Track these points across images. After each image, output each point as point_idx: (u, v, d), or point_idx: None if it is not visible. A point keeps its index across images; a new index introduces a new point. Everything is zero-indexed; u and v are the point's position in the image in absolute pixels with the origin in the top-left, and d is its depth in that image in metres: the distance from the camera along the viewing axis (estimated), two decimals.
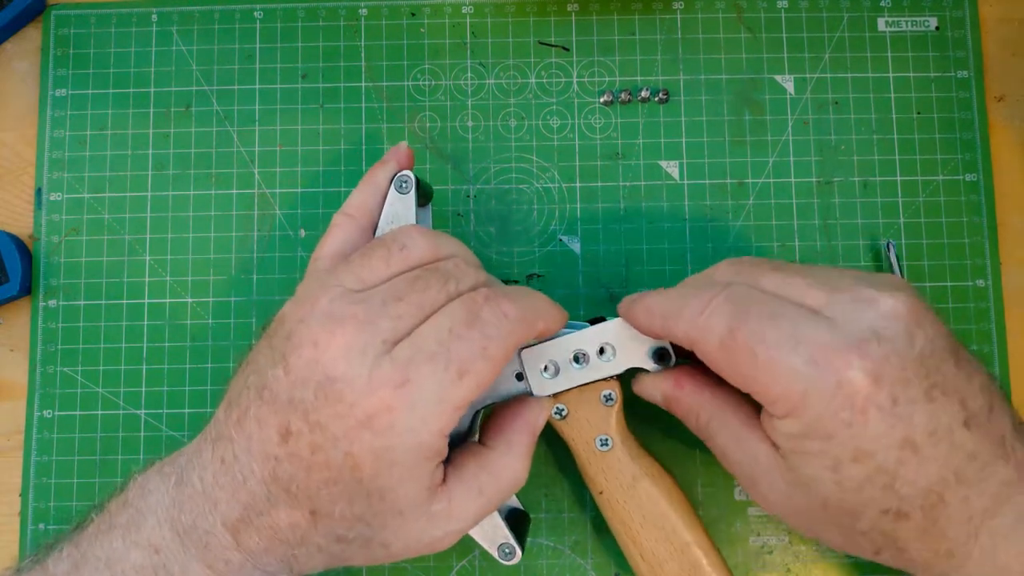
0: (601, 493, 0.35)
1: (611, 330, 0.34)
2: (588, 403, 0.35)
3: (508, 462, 0.32)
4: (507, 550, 0.34)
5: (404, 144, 0.36)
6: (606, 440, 0.35)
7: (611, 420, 0.35)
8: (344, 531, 0.29)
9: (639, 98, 0.42)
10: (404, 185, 0.35)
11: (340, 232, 0.34)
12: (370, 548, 0.30)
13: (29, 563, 0.31)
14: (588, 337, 0.34)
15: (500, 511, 0.34)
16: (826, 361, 0.27)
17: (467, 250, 0.33)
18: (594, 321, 0.35)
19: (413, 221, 0.34)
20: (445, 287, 0.30)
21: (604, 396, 0.35)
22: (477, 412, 0.34)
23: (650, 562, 0.35)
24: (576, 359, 0.34)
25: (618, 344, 0.34)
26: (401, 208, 0.35)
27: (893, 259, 0.40)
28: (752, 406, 0.31)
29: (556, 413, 0.35)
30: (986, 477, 0.27)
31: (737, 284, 0.30)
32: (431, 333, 0.28)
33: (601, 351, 0.34)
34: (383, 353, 0.28)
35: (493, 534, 0.34)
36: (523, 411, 0.33)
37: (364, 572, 0.39)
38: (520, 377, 0.34)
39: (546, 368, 0.34)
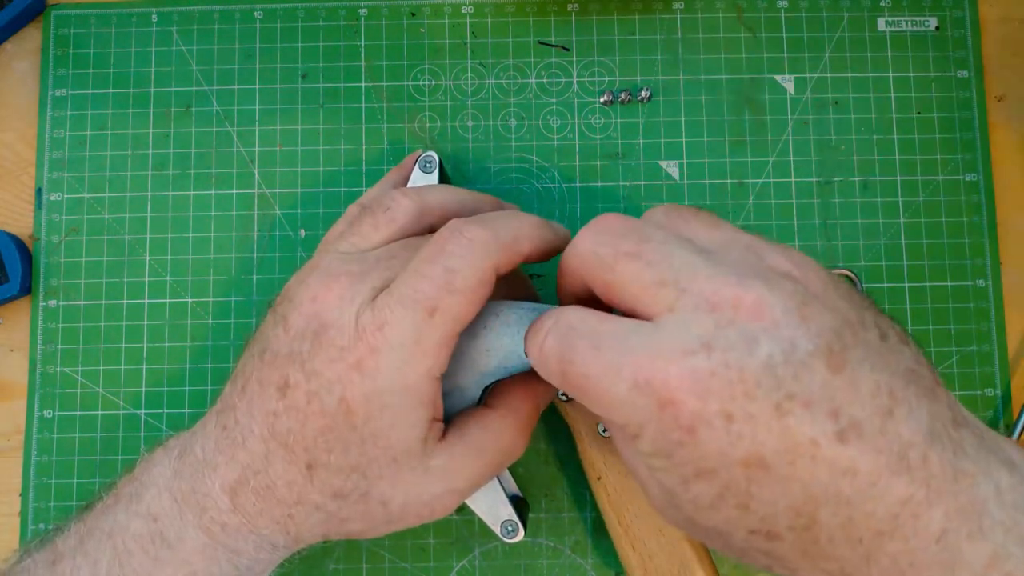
0: (599, 479, 0.35)
1: None
2: None
3: (509, 425, 0.32)
4: (510, 527, 0.34)
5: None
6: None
7: None
8: (340, 483, 0.29)
9: (639, 98, 0.42)
10: (428, 165, 0.36)
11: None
12: (368, 504, 0.30)
13: (37, 544, 0.31)
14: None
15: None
16: (646, 382, 0.24)
17: (457, 196, 0.33)
18: None
19: None
20: (441, 247, 0.29)
21: None
22: (486, 387, 0.34)
23: (640, 553, 0.35)
24: None
25: None
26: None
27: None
28: None
29: (561, 394, 0.34)
30: (875, 495, 0.23)
31: (567, 314, 0.27)
32: (404, 277, 0.29)
33: None
34: (371, 299, 0.29)
35: (496, 511, 0.34)
36: (529, 381, 0.33)
37: (365, 567, 0.39)
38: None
39: None
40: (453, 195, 0.34)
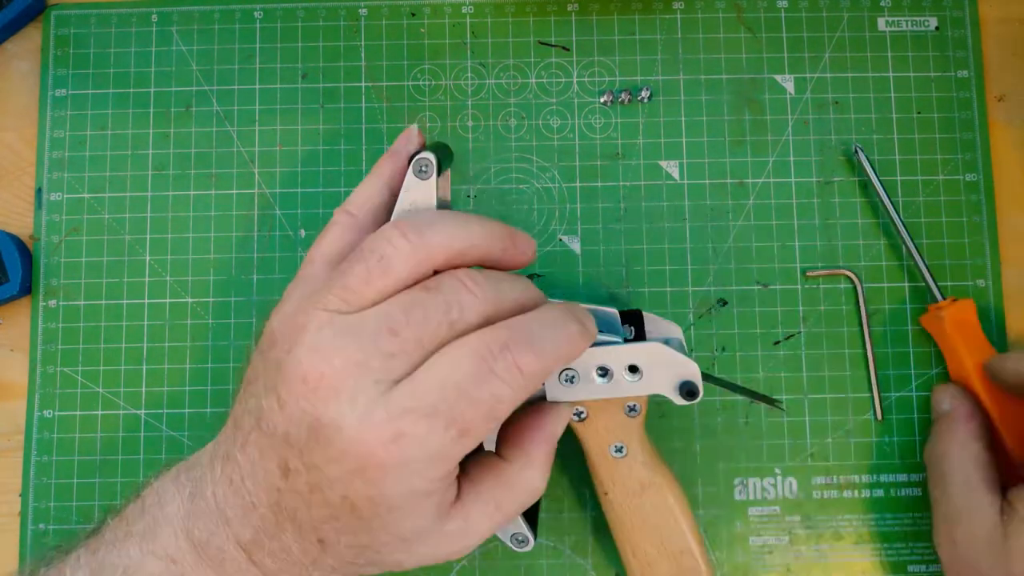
0: (606, 494, 0.35)
1: (644, 352, 0.32)
2: (610, 411, 0.34)
3: (527, 475, 0.30)
4: (520, 539, 0.34)
5: (415, 127, 0.32)
6: (621, 447, 0.34)
7: (631, 429, 0.34)
8: (353, 558, 0.29)
9: (639, 98, 0.42)
10: (424, 170, 0.30)
11: (339, 231, 0.31)
12: (383, 566, 0.30)
13: (42, 567, 0.30)
14: (619, 354, 0.32)
15: None
16: None
17: (467, 231, 0.29)
18: (627, 314, 0.33)
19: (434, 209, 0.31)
20: (447, 317, 0.27)
21: (628, 407, 0.34)
22: None
23: (640, 560, 0.35)
24: (602, 372, 0.32)
25: (647, 368, 0.32)
26: (420, 195, 0.30)
27: (864, 162, 0.40)
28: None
29: (575, 414, 0.34)
30: None
31: None
32: (434, 385, 0.26)
33: (631, 369, 0.32)
34: (376, 397, 0.26)
35: (506, 524, 0.33)
36: (542, 421, 0.31)
37: None
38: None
39: (564, 372, 0.32)
40: (462, 231, 0.28)
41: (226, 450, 0.29)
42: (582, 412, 0.34)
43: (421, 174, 0.30)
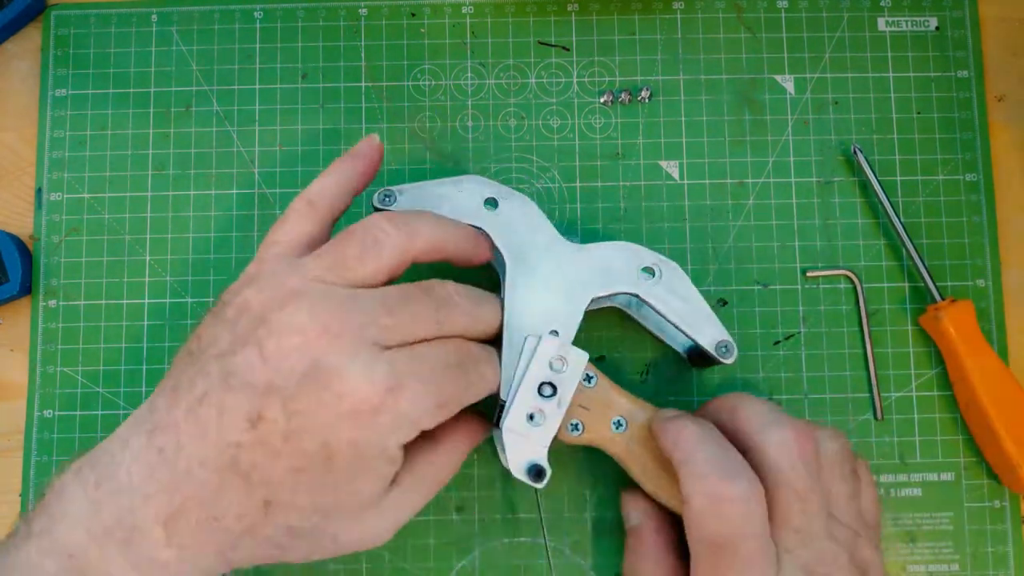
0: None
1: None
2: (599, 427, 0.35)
3: (452, 460, 0.33)
4: (537, 471, 0.33)
5: (375, 137, 0.35)
6: (619, 422, 0.34)
7: (619, 447, 0.35)
8: (298, 521, 0.29)
9: (639, 98, 0.42)
10: (387, 199, 0.35)
11: (299, 219, 0.32)
12: (318, 539, 0.30)
13: None
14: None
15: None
16: None
17: (445, 232, 0.32)
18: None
19: None
20: (435, 316, 0.30)
21: (614, 423, 0.34)
22: None
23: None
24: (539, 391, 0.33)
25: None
26: None
27: (863, 162, 0.40)
28: None
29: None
30: None
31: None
32: (429, 359, 0.29)
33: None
34: (377, 354, 0.28)
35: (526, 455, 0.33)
36: (474, 423, 0.35)
37: (365, 567, 0.39)
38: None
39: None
40: (439, 228, 0.32)
41: (156, 422, 0.28)
42: (591, 376, 0.34)
43: (384, 202, 0.34)
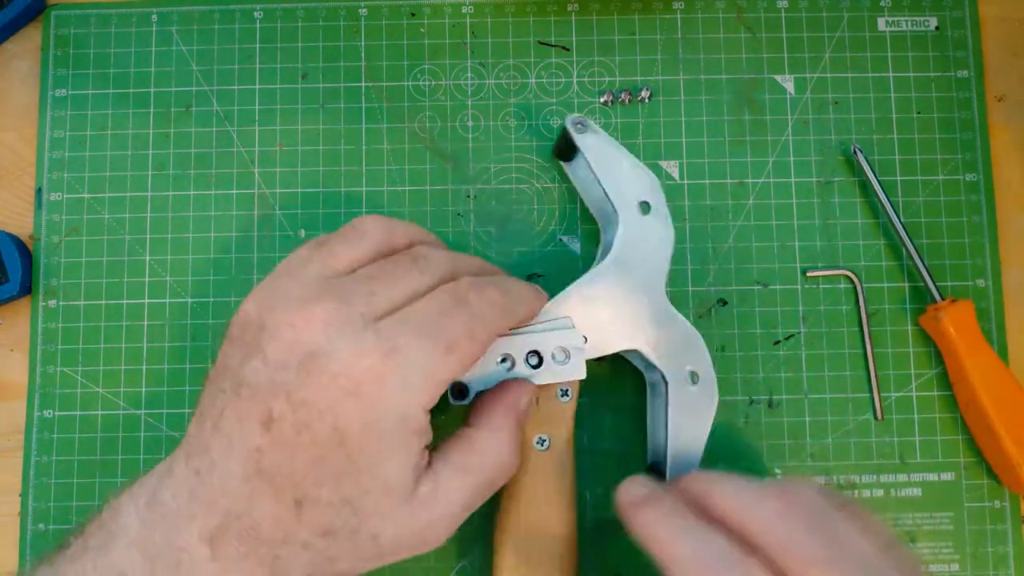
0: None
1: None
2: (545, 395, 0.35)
3: (492, 441, 0.32)
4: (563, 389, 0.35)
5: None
6: (544, 440, 0.35)
7: (560, 418, 0.35)
8: (330, 519, 0.28)
9: (639, 98, 0.42)
10: (580, 126, 0.38)
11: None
12: (357, 541, 0.29)
13: None
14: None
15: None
16: None
17: (426, 232, 0.34)
18: None
19: None
20: (415, 266, 0.31)
21: (560, 391, 0.35)
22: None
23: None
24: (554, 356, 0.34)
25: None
26: None
27: (863, 162, 0.40)
28: None
29: (561, 391, 0.35)
30: None
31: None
32: (418, 311, 0.29)
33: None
34: (364, 326, 0.28)
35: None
36: (504, 393, 0.33)
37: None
38: (504, 360, 0.34)
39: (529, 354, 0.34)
40: (416, 228, 0.34)
41: (191, 447, 0.29)
42: (567, 391, 0.35)
43: (576, 128, 0.37)
